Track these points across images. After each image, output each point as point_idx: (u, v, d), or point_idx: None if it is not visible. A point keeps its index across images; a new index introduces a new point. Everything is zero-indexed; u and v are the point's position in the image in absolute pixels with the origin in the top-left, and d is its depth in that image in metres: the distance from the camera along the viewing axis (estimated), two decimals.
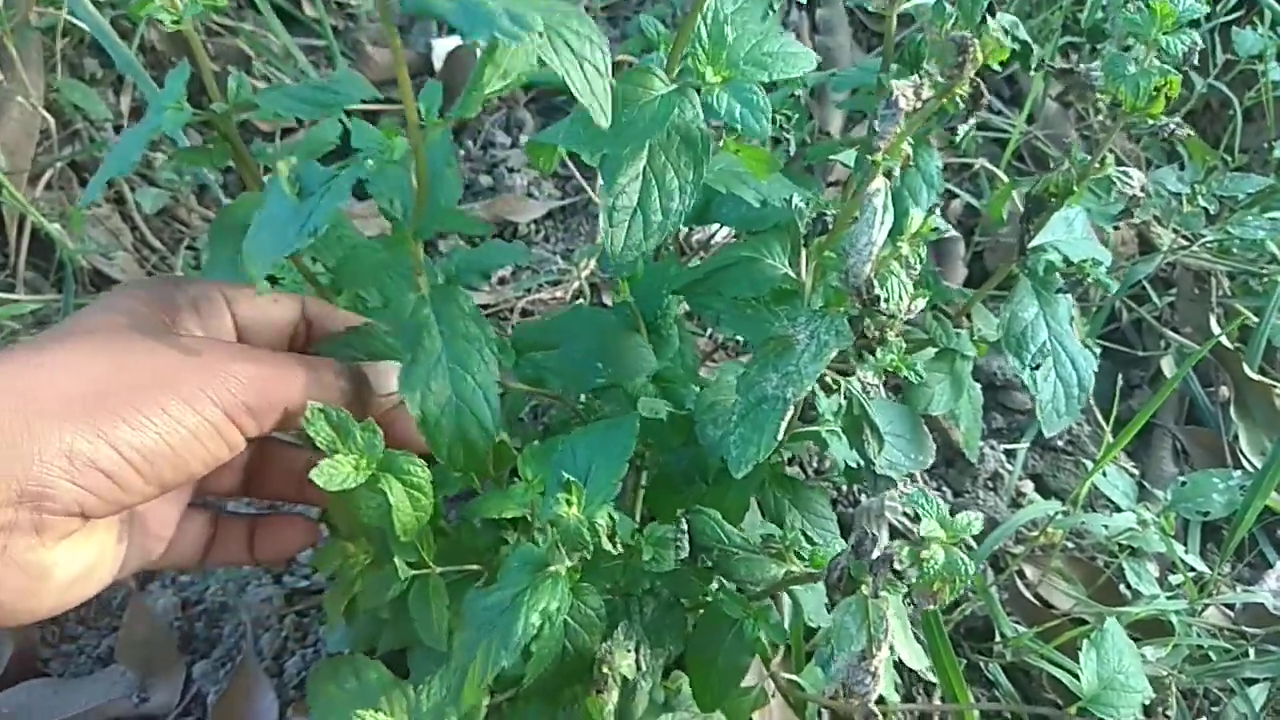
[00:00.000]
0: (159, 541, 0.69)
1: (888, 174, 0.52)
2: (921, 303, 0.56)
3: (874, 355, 0.57)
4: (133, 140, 0.74)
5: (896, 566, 0.53)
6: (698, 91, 0.56)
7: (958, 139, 0.63)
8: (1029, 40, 0.77)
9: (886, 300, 0.53)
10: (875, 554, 0.53)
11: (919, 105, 0.48)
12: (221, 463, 0.61)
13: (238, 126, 0.75)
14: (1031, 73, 0.81)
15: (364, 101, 0.82)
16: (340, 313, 0.72)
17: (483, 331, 0.63)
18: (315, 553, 0.76)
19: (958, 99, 0.49)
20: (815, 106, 1.39)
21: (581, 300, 1.28)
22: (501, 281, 1.30)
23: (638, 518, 0.80)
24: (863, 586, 0.55)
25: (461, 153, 1.45)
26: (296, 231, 0.55)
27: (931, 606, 0.51)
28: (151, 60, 1.37)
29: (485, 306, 1.25)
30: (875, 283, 0.53)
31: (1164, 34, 0.65)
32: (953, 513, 0.53)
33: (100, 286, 1.20)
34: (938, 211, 0.74)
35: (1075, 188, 0.72)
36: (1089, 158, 0.73)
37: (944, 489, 1.19)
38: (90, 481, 0.55)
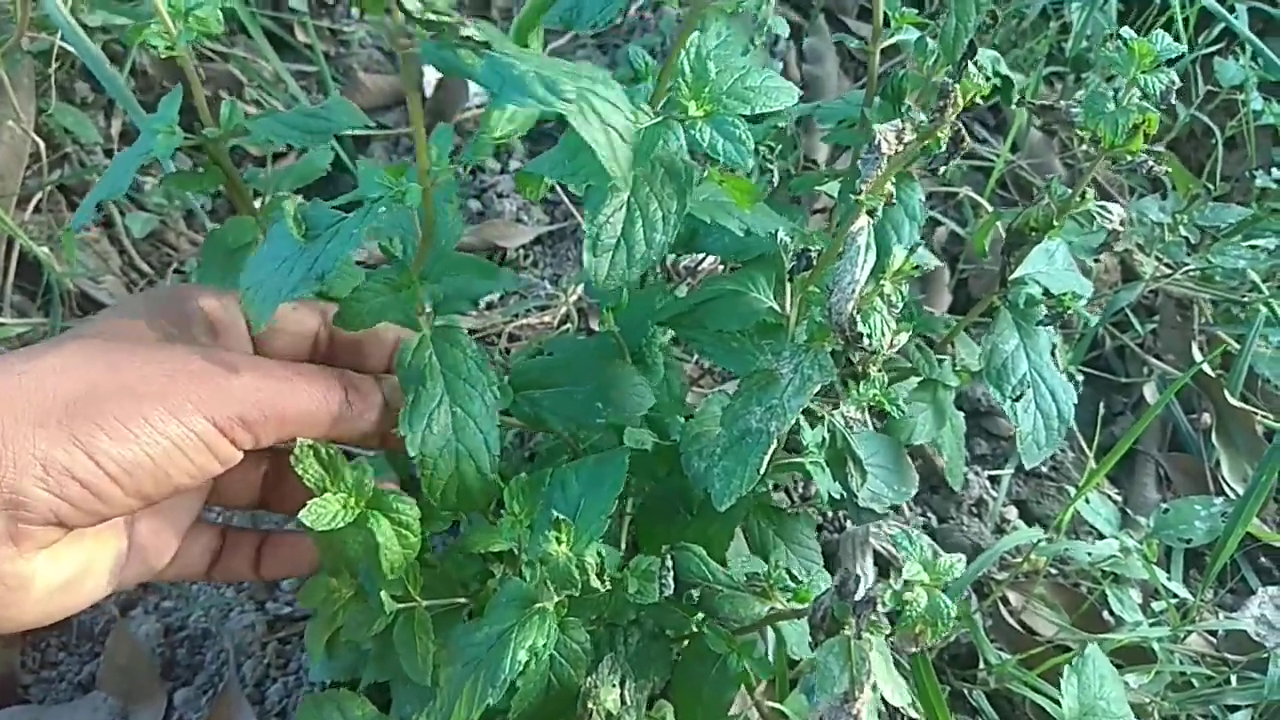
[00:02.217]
0: (163, 553, 0.66)
1: (870, 213, 0.53)
2: (903, 338, 0.56)
3: (857, 389, 0.58)
4: (124, 164, 0.74)
5: (880, 608, 0.52)
6: (681, 124, 0.56)
7: (941, 174, 0.64)
8: (1009, 75, 0.78)
9: (869, 337, 0.53)
10: (859, 595, 0.53)
11: (901, 148, 0.49)
12: (211, 476, 0.59)
13: (228, 151, 0.76)
14: (1013, 107, 0.82)
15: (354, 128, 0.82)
16: None
17: (485, 375, 0.63)
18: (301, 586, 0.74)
19: (940, 141, 0.50)
20: (802, 135, 1.40)
21: (569, 325, 1.28)
22: (489, 306, 1.30)
23: (623, 546, 0.80)
24: (846, 627, 0.55)
25: None
26: (304, 274, 0.54)
27: (914, 650, 0.50)
28: (143, 85, 1.37)
29: (473, 331, 1.25)
30: (858, 320, 0.53)
31: (1143, 73, 0.66)
32: (936, 539, 0.53)
33: (87, 310, 1.20)
34: (922, 240, 0.74)
35: (1055, 222, 0.73)
36: (1070, 191, 0.74)
37: (928, 515, 1.19)
38: (67, 491, 0.53)
